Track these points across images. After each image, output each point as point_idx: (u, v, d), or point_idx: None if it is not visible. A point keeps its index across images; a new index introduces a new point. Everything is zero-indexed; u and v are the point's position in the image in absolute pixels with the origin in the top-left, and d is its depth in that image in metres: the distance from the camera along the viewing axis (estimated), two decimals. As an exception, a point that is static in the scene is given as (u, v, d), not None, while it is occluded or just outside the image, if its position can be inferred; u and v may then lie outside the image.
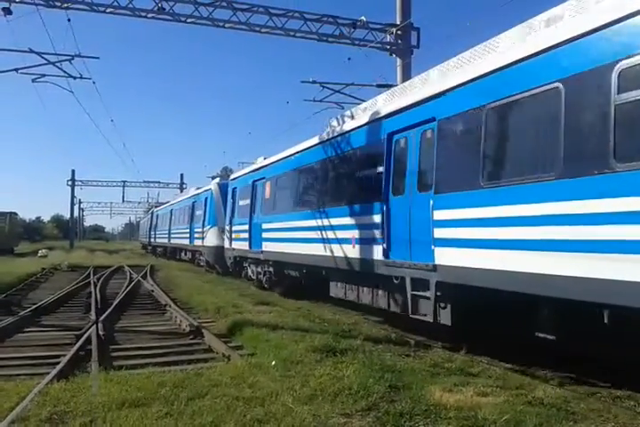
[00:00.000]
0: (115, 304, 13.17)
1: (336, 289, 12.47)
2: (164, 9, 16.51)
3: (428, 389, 5.89)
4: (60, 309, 13.69)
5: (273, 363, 6.90)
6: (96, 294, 14.99)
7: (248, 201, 18.20)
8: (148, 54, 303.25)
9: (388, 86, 17.26)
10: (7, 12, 14.66)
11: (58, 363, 7.26)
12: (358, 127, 11.20)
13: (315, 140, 13.31)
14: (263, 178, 17.06)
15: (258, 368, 6.71)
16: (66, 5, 15.36)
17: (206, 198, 26.14)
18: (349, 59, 18.26)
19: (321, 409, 5.19)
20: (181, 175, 72.60)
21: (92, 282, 19.27)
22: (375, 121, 10.49)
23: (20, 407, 5.13)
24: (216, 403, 5.31)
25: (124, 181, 69.90)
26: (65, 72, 16.86)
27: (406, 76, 17.39)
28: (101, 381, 6.08)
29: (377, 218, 9.89)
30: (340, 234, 11.38)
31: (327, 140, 12.56)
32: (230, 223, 20.67)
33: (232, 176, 22.07)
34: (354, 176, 11.31)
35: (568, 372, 7.29)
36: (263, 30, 17.46)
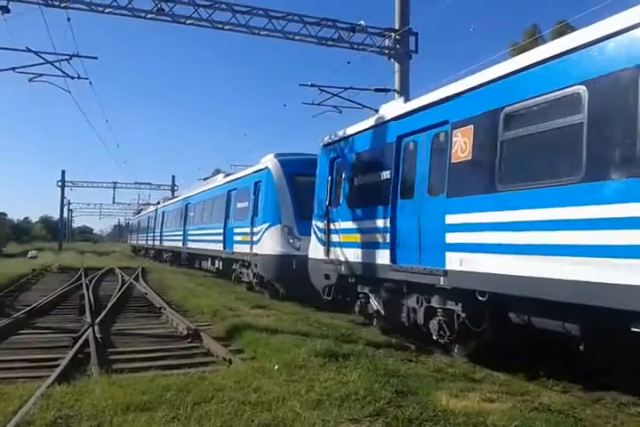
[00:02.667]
0: (109, 307, 13.04)
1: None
2: (164, 10, 16.44)
3: (435, 394, 5.87)
4: (53, 311, 13.55)
5: (276, 367, 6.84)
6: (89, 296, 14.82)
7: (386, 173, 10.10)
8: (145, 55, 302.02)
9: (387, 91, 17.35)
10: (5, 10, 14.53)
11: (57, 366, 7.17)
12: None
13: None
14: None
15: (261, 373, 6.65)
16: (64, 4, 15.27)
17: (257, 184, 17.49)
18: (349, 62, 18.30)
19: (329, 414, 5.14)
20: (173, 177, 72.03)
21: (83, 284, 19.07)
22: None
23: (23, 411, 5.05)
24: (223, 407, 5.25)
25: (115, 183, 69.43)
26: (63, 72, 16.76)
27: (404, 80, 17.46)
28: (104, 384, 6.01)
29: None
30: None
31: None
32: (329, 217, 11.98)
33: (328, 139, 12.60)
34: None
35: (568, 377, 7.31)
36: (262, 33, 17.45)
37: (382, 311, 10.26)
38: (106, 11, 16.04)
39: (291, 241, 15.24)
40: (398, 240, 9.38)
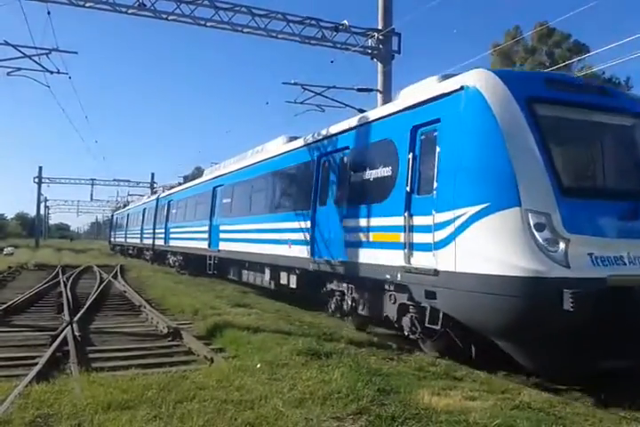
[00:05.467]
0: (87, 305, 12.89)
1: None
2: (145, 5, 16.25)
3: (417, 392, 5.90)
4: (30, 308, 13.35)
5: (258, 366, 6.82)
6: (67, 294, 14.64)
7: None
8: (126, 50, 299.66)
9: (369, 91, 17.39)
10: (-18, 2, 14.24)
11: (34, 364, 7.06)
12: None
13: None
14: None
15: (243, 371, 6.62)
16: (44, -2, 15.02)
17: (421, 129, 8.57)
18: (332, 62, 18.28)
19: (312, 413, 5.13)
20: (152, 174, 71.17)
21: (61, 281, 18.81)
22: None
23: (1, 410, 4.96)
24: (205, 406, 5.21)
25: (93, 179, 68.46)
26: (42, 66, 16.45)
27: (387, 80, 17.52)
28: (84, 382, 5.93)
29: None
30: None
31: None
32: None
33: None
34: None
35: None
36: (245, 30, 17.35)
37: None
38: (86, 5, 15.82)
39: (548, 247, 6.71)
40: None
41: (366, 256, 9.60)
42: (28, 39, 21.07)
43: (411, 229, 8.36)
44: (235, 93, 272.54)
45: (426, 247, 7.92)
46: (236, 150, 54.09)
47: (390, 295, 9.20)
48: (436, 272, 7.61)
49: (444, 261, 7.50)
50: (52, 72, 16.98)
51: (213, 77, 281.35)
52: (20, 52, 16.26)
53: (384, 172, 9.40)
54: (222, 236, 18.76)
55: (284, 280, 13.90)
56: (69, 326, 9.46)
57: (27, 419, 4.79)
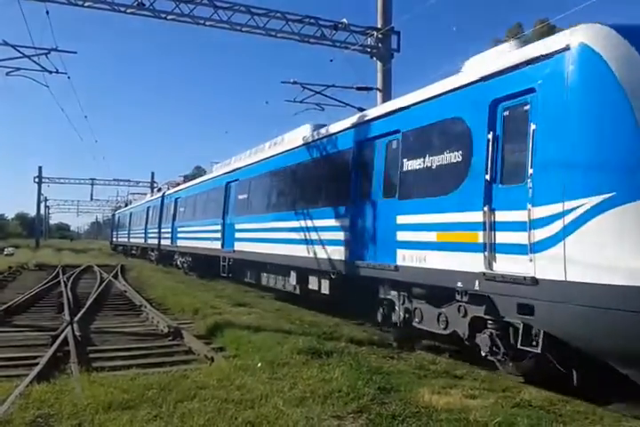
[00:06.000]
0: (88, 304, 12.90)
1: None
2: (144, 5, 16.22)
3: (417, 391, 5.91)
4: (31, 309, 13.36)
5: (259, 365, 6.83)
6: (67, 294, 14.66)
7: None
8: (125, 50, 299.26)
9: (369, 89, 17.36)
10: (-19, 2, 14.21)
11: (35, 364, 7.07)
12: None
13: None
14: None
15: (244, 370, 6.63)
16: (43, -3, 14.99)
17: (505, 102, 7.09)
18: (331, 60, 18.25)
19: (312, 412, 5.15)
20: (152, 174, 71.13)
21: (62, 281, 18.84)
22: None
23: (1, 410, 4.96)
24: (205, 406, 5.23)
25: (93, 179, 68.46)
26: (41, 66, 16.44)
27: (387, 79, 17.48)
28: (84, 382, 5.95)
29: None
30: None
31: None
32: None
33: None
34: None
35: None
36: (244, 29, 17.31)
37: None
38: (85, 4, 15.78)
39: None
40: None
41: (427, 260, 7.93)
42: (27, 39, 20.99)
43: (492, 226, 6.80)
44: (234, 93, 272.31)
45: (516, 249, 6.43)
46: (235, 150, 54.03)
47: (459, 307, 7.55)
48: (534, 281, 6.09)
49: (547, 266, 6.00)
50: (51, 72, 16.97)
51: (213, 77, 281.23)
52: (19, 52, 16.26)
53: (451, 157, 7.70)
54: (238, 235, 17.12)
55: (313, 285, 12.27)
56: (70, 326, 9.46)
57: (27, 419, 4.80)
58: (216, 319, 10.43)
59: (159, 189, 37.82)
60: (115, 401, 5.24)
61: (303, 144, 13.17)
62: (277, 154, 14.90)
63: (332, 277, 11.20)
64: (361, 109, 12.56)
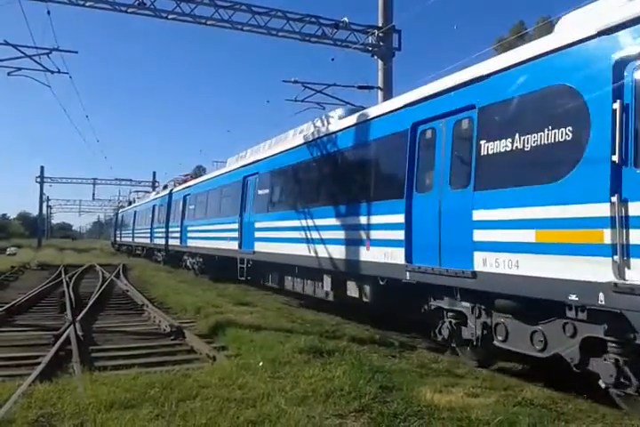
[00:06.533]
0: (90, 304, 12.91)
1: None
2: (145, 4, 16.25)
3: (419, 390, 5.91)
4: (33, 308, 13.38)
5: (260, 364, 6.84)
6: (70, 294, 14.67)
7: None
8: (126, 50, 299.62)
9: (370, 88, 17.36)
10: (-18, 2, 14.24)
11: (37, 364, 7.07)
12: None
13: None
14: None
15: (245, 369, 6.64)
16: (44, -3, 15.01)
17: None
18: (333, 59, 18.25)
19: (314, 410, 5.15)
20: (154, 173, 71.16)
21: (64, 281, 18.86)
22: None
23: (4, 409, 4.98)
24: (207, 404, 5.24)
25: (95, 179, 68.62)
26: (42, 66, 16.50)
27: (388, 77, 17.48)
28: (87, 382, 5.96)
29: None
30: None
31: None
32: None
33: None
34: None
35: (549, 372, 7.40)
36: (245, 28, 17.33)
37: None
38: (87, 4, 15.80)
39: None
40: None
41: (520, 265, 6.44)
42: (28, 39, 21.04)
43: (625, 222, 5.34)
44: (235, 92, 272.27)
45: None
46: (237, 149, 53.98)
47: (566, 325, 6.15)
48: None
49: None
50: (52, 72, 17.04)
51: (214, 76, 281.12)
52: (21, 51, 16.32)
53: (556, 135, 6.16)
54: (259, 235, 15.46)
55: (352, 292, 10.78)
56: (72, 326, 9.46)
57: (30, 418, 4.81)
58: (218, 318, 10.44)
59: (165, 187, 34.81)
60: (117, 400, 5.25)
61: (338, 131, 11.55)
62: (305, 143, 13.10)
63: (381, 282, 9.51)
64: (362, 108, 12.48)
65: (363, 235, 9.88)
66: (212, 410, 5.07)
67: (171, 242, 27.84)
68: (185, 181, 29.70)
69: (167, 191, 30.99)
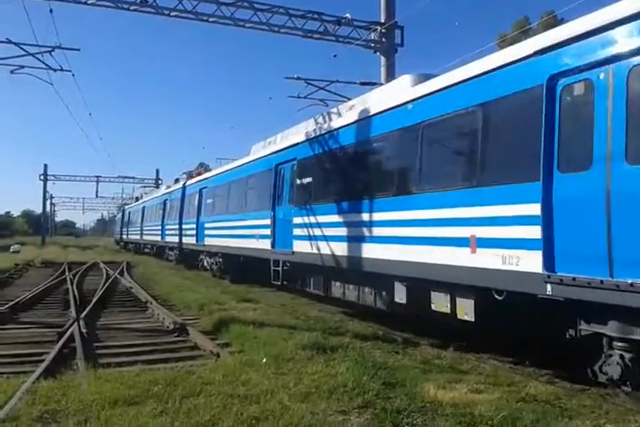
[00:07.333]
0: (94, 301, 12.93)
1: None
2: (147, 1, 16.26)
3: (422, 386, 5.91)
4: (37, 305, 13.41)
5: (264, 360, 6.85)
6: (73, 291, 14.70)
7: None
8: (129, 47, 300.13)
9: (372, 84, 17.32)
10: (-16, 0, 14.26)
11: (42, 361, 7.09)
12: None
13: None
14: None
15: (249, 366, 6.65)
16: (46, -5, 15.03)
17: None
18: (335, 55, 18.22)
19: (317, 407, 5.16)
20: (157, 171, 71.15)
21: (67, 278, 18.90)
22: None
23: (9, 406, 4.99)
24: (211, 401, 5.25)
25: (98, 176, 68.60)
26: (45, 64, 16.53)
27: (390, 74, 17.45)
28: (91, 378, 5.96)
29: None
30: None
31: None
32: None
33: None
34: None
35: (553, 368, 7.40)
36: (247, 25, 17.34)
37: None
38: (89, 2, 15.82)
39: None
40: None
41: None
42: (30, 37, 21.10)
43: None
44: (238, 89, 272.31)
45: None
46: (240, 146, 53.93)
47: None
48: None
49: None
50: (55, 70, 17.05)
51: (217, 73, 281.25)
52: (23, 50, 16.33)
53: None
54: (298, 232, 13.08)
55: (440, 306, 8.39)
56: (76, 323, 9.49)
57: (34, 415, 4.82)
58: (221, 315, 10.45)
59: (177, 180, 32.10)
60: (121, 397, 5.26)
61: (422, 96, 8.99)
62: (370, 116, 10.56)
63: (497, 298, 7.22)
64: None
65: (462, 232, 7.63)
66: (215, 406, 5.08)
67: (185, 240, 25.65)
68: (199, 174, 27.86)
69: (180, 185, 28.63)
